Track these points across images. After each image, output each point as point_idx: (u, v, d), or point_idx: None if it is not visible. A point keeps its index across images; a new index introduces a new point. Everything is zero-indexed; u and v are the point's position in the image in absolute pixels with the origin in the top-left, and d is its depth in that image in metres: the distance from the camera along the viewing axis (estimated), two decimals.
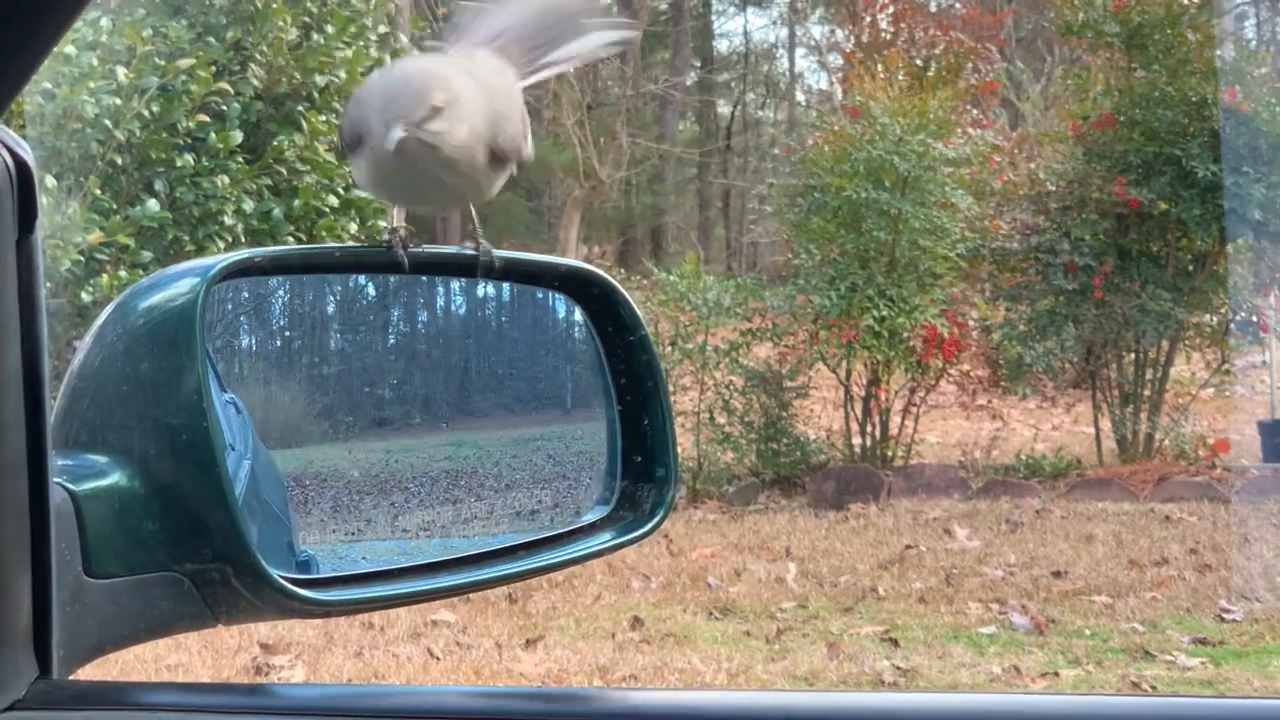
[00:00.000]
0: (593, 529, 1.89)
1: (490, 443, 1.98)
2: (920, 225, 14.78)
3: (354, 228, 12.28)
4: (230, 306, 1.78)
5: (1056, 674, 8.25)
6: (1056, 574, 10.61)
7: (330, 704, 1.44)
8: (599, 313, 1.91)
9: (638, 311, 1.90)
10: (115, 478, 1.50)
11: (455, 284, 1.96)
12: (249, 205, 11.59)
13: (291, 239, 11.57)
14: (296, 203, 11.79)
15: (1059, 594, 10.09)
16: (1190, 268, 15.19)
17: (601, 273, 1.92)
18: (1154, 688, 7.90)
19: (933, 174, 14.94)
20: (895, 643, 8.98)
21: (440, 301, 2.00)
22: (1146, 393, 15.22)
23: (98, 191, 10.91)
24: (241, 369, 1.84)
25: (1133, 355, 15.33)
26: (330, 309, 1.93)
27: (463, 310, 1.98)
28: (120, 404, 1.54)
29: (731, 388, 15.28)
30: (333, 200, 12.01)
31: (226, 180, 11.40)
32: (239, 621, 1.59)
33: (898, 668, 8.37)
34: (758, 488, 14.75)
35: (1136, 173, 14.82)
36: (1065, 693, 7.63)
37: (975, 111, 17.66)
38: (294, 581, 1.57)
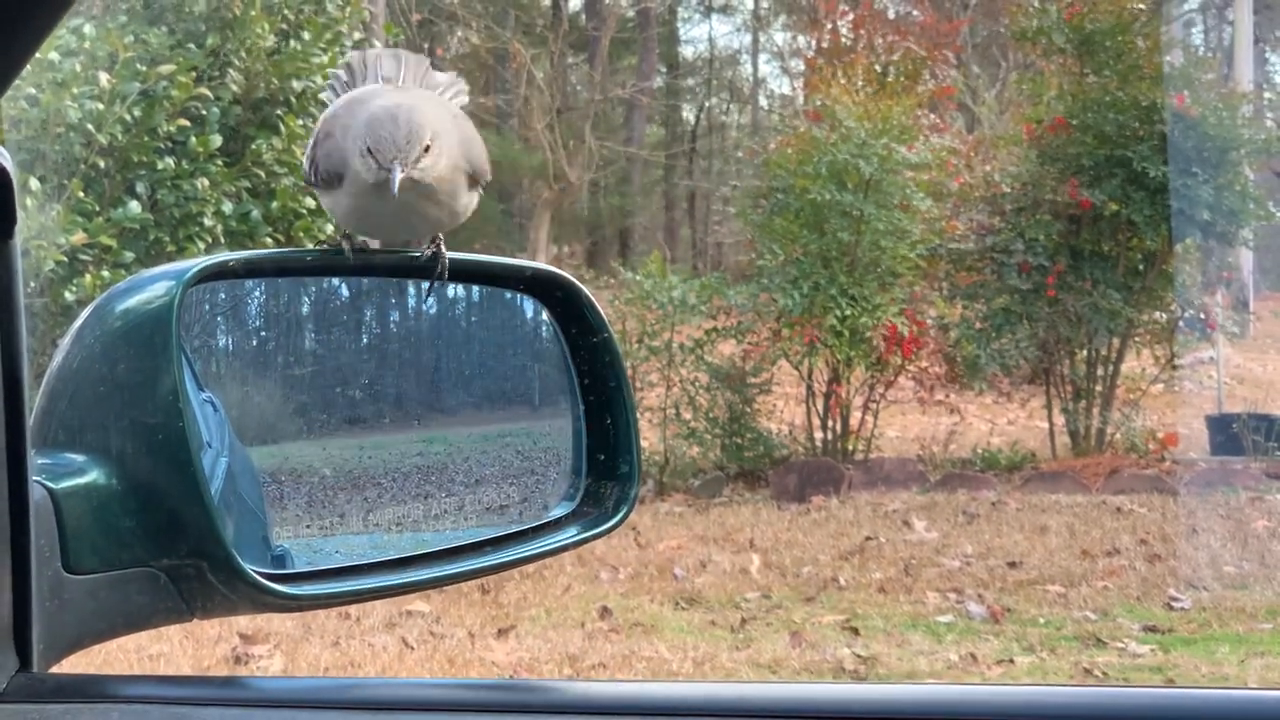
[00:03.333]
0: (559, 524, 1.91)
1: (460, 439, 1.99)
2: (882, 226, 14.88)
3: (330, 229, 12.32)
4: (207, 308, 1.79)
5: (1011, 661, 8.40)
6: (1011, 564, 10.75)
7: (306, 696, 1.48)
8: (564, 314, 1.93)
9: (602, 313, 1.93)
10: (93, 476, 1.52)
11: (425, 286, 1.95)
12: (228, 207, 11.60)
13: (270, 240, 11.57)
14: (274, 204, 11.80)
15: (1014, 584, 10.24)
16: (1140, 267, 15.36)
17: (567, 275, 1.96)
18: (1105, 674, 8.08)
19: (895, 177, 15.02)
20: (856, 631, 9.11)
21: (411, 303, 1.99)
22: (1098, 388, 15.41)
23: (81, 194, 10.91)
24: (219, 369, 1.86)
25: (1085, 352, 15.49)
26: (305, 310, 1.94)
27: (433, 311, 1.97)
28: (98, 404, 1.56)
29: (697, 384, 15.35)
30: (309, 202, 12.01)
31: (206, 183, 11.40)
32: (214, 615, 1.64)
33: (858, 656, 8.48)
34: (722, 481, 14.83)
35: (1088, 175, 15.01)
36: (1021, 683, 7.76)
37: (933, 116, 17.76)
38: (268, 576, 1.59)
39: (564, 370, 1.94)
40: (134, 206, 11.08)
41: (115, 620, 1.55)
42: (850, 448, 15.28)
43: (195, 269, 1.62)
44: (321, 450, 1.84)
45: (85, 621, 1.52)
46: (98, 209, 11.16)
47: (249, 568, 1.54)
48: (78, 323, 1.61)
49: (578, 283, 1.94)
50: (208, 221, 11.45)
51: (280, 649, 8.62)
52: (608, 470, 1.89)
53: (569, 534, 1.89)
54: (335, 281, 1.92)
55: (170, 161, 11.47)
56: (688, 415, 15.30)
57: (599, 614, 9.56)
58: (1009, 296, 15.33)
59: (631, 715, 1.29)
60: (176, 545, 1.52)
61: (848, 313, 14.51)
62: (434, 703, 1.36)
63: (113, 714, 1.38)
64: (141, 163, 11.41)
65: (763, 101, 41.23)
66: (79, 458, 1.53)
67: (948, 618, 9.48)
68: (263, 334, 1.91)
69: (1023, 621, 9.32)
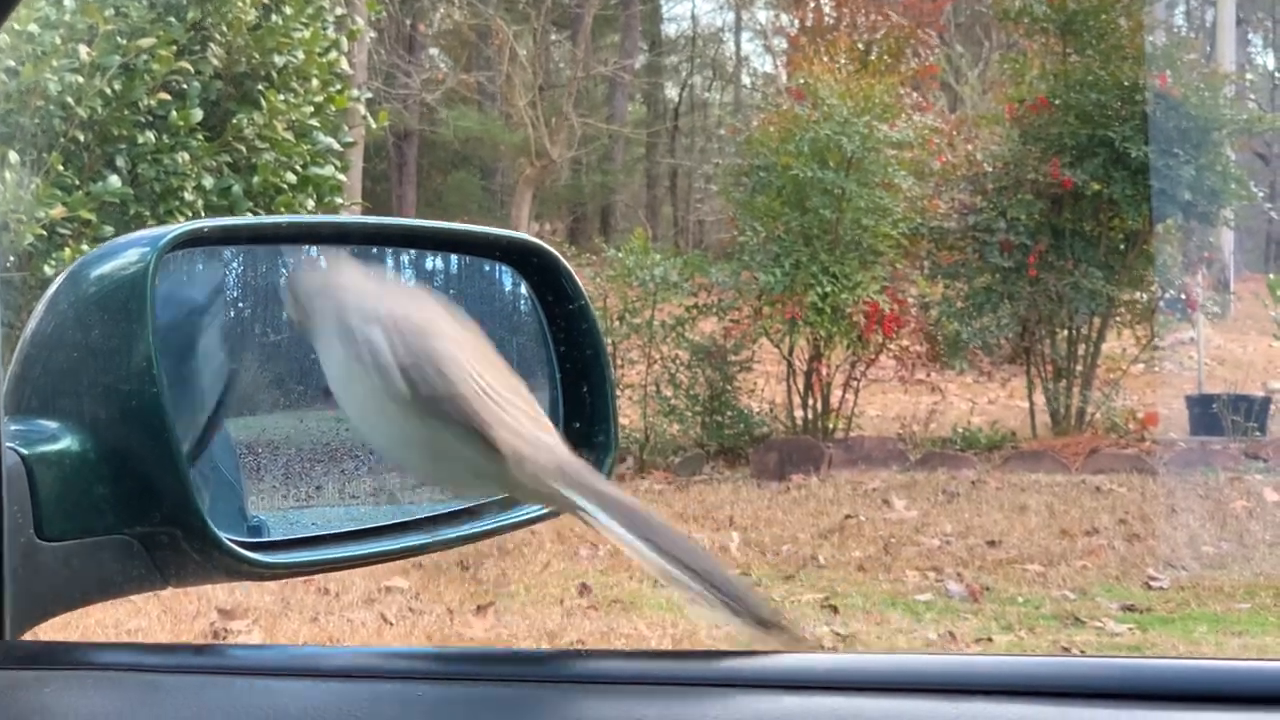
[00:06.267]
0: None
1: None
2: (864, 204, 14.89)
3: (311, 204, 12.32)
4: (185, 278, 1.75)
5: (990, 639, 8.38)
6: (991, 543, 10.76)
7: (280, 664, 1.45)
8: (540, 283, 1.90)
9: (578, 281, 1.89)
10: (67, 442, 1.50)
11: (405, 256, 1.94)
12: (209, 181, 11.59)
13: (250, 214, 11.58)
14: (255, 179, 11.79)
15: (993, 562, 10.24)
16: (1122, 246, 15.38)
17: (543, 243, 1.92)
18: (1083, 653, 7.98)
19: (877, 155, 15.02)
20: (835, 609, 9.09)
21: (390, 274, 1.92)
22: (1079, 368, 15.42)
23: (60, 167, 10.86)
24: (198, 338, 1.81)
25: (1066, 332, 15.49)
26: (283, 280, 1.83)
27: (411, 283, 1.92)
28: (72, 370, 1.54)
29: (677, 362, 15.35)
30: (290, 177, 12.03)
31: (187, 157, 11.40)
32: (188, 584, 1.61)
33: (837, 634, 8.48)
34: (702, 459, 14.84)
35: (1071, 154, 15.01)
36: (996, 653, 7.74)
37: (916, 95, 17.76)
38: (242, 544, 1.57)
39: (541, 340, 1.90)
40: (114, 180, 11.07)
41: (89, 588, 1.52)
42: (831, 426, 15.29)
43: (170, 235, 1.58)
44: (299, 422, 1.81)
45: (58, 589, 1.49)
46: (77, 183, 11.14)
47: (224, 536, 1.51)
48: (52, 289, 1.59)
49: (555, 251, 1.90)
50: (188, 196, 11.44)
51: (259, 624, 8.61)
52: (584, 440, 1.82)
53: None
54: (315, 251, 1.89)
55: (151, 135, 11.46)
56: (668, 392, 15.30)
57: (578, 591, 9.56)
58: (990, 275, 15.35)
59: (607, 684, 1.27)
60: (151, 513, 1.50)
61: (829, 290, 14.51)
62: (410, 672, 1.33)
63: (86, 681, 1.36)
64: (121, 136, 11.40)
65: (745, 80, 41.34)
66: (53, 424, 1.51)
67: (927, 596, 9.47)
68: (240, 304, 1.88)
69: (1001, 600, 9.31)
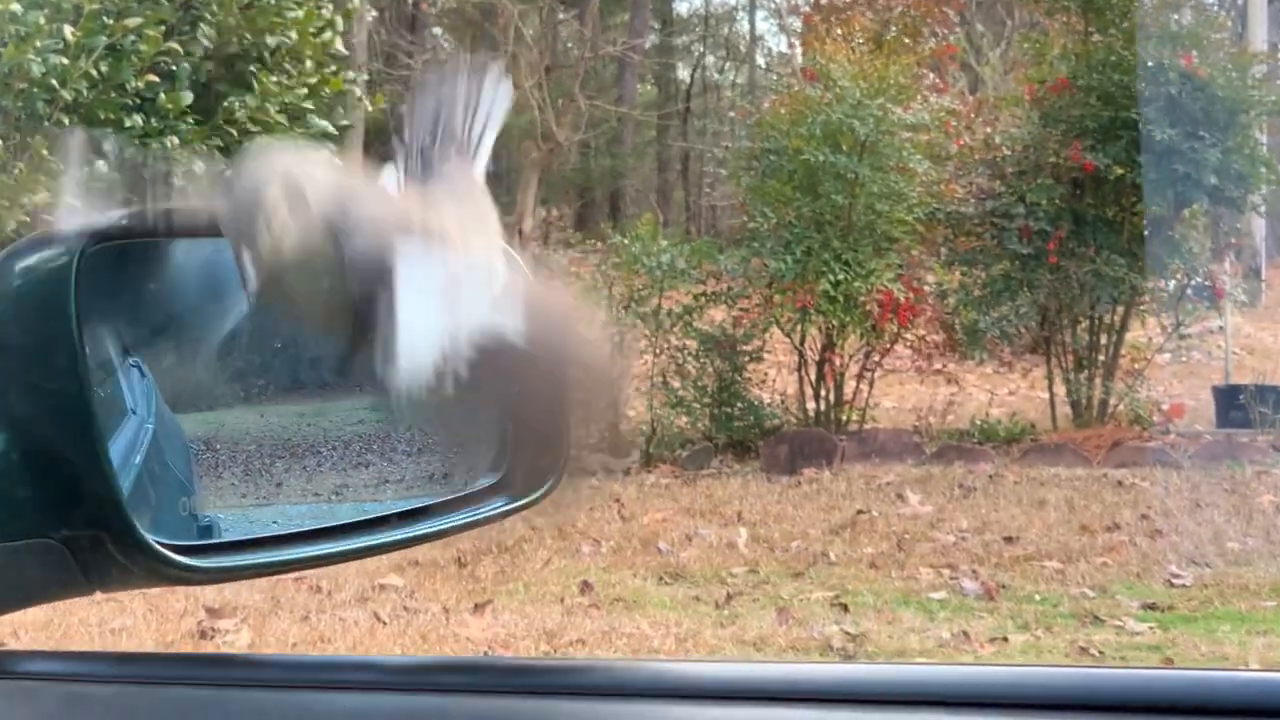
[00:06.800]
0: (490, 492, 1.83)
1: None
2: (877, 189, 14.75)
3: None
4: (135, 268, 1.74)
5: (1005, 639, 8.24)
6: (1008, 539, 10.60)
7: (205, 673, 1.44)
8: None
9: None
10: None
11: None
12: (199, 166, 11.52)
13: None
14: None
15: (1010, 559, 10.08)
16: (1145, 233, 15.09)
17: None
18: (1102, 653, 7.93)
19: (891, 138, 14.90)
20: (845, 608, 8.95)
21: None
22: (1101, 358, 15.21)
23: (45, 152, 10.86)
24: (149, 332, 1.82)
25: (1087, 321, 15.32)
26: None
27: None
28: None
29: (685, 351, 15.23)
30: None
31: (176, 141, 11.39)
32: (116, 589, 1.58)
33: (847, 633, 8.35)
34: (711, 452, 14.70)
35: (1093, 137, 14.76)
36: (1010, 662, 7.66)
37: (933, 76, 17.61)
38: (180, 549, 1.54)
39: None
40: (100, 165, 10.95)
41: (12, 593, 1.53)
42: (844, 418, 15.15)
43: (99, 226, 1.56)
44: (259, 418, 1.83)
45: None
46: (62, 168, 11.01)
47: (151, 539, 1.49)
48: None
49: None
50: (178, 182, 11.26)
51: (247, 623, 8.57)
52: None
53: (498, 504, 1.81)
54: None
55: (139, 119, 11.46)
56: (676, 384, 15.20)
57: (579, 589, 9.47)
58: (1009, 262, 15.15)
59: (599, 697, 1.29)
60: (75, 515, 1.48)
61: (841, 278, 14.38)
62: (335, 682, 1.36)
63: (3, 690, 1.39)
64: (109, 120, 11.38)
65: (760, 60, 41.15)
66: None
67: (941, 594, 9.34)
68: (195, 296, 1.86)
69: (1018, 598, 9.18)
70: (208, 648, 8.10)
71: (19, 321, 1.49)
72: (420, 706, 1.33)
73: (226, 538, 1.71)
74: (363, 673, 1.42)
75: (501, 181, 37.48)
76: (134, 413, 1.72)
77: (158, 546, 1.49)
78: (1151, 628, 8.45)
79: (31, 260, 1.53)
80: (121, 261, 1.66)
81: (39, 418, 1.47)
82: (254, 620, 8.60)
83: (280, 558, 1.69)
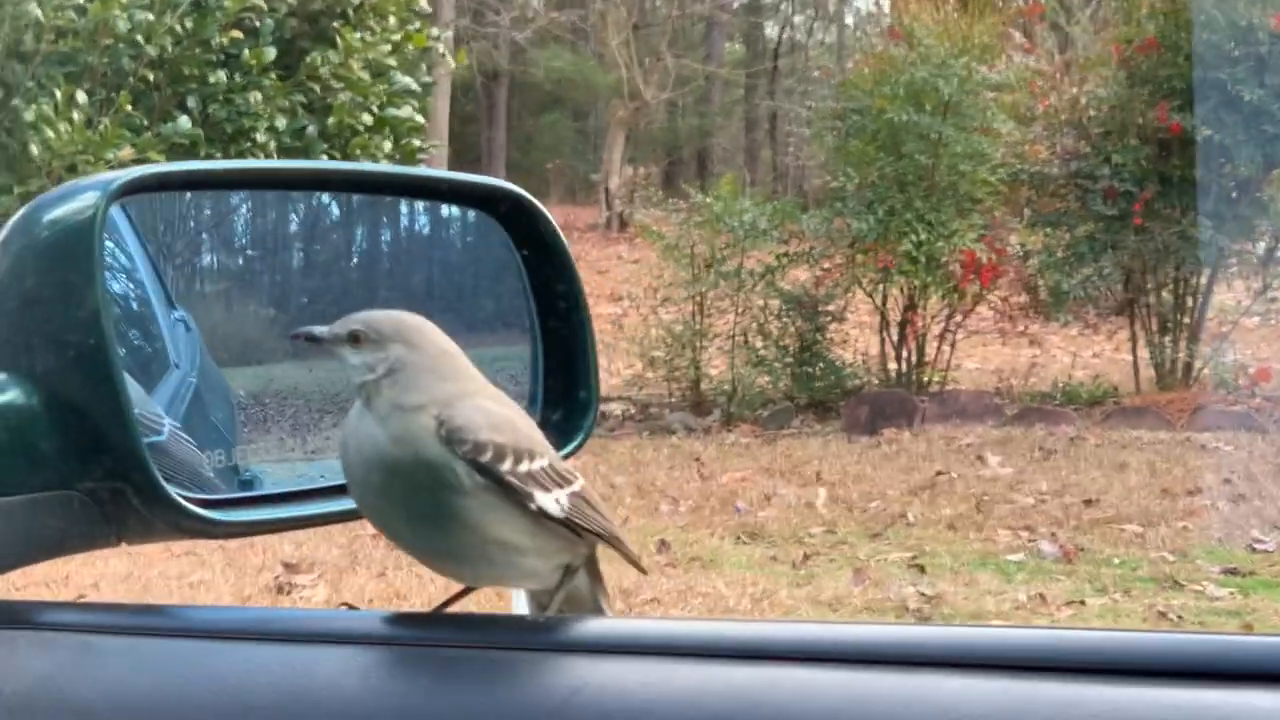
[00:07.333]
0: None
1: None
2: (961, 149, 14.69)
3: (388, 146, 12.23)
4: (192, 224, 1.76)
5: (1082, 602, 8.18)
6: (1088, 502, 10.51)
7: (219, 627, 1.42)
8: (520, 232, 1.86)
9: (559, 230, 1.84)
10: (13, 394, 1.47)
11: (404, 206, 1.96)
12: (282, 122, 11.57)
13: (325, 156, 11.55)
14: (330, 120, 11.77)
15: (1089, 522, 10.01)
16: (1233, 194, 14.95)
17: (520, 190, 1.86)
18: (1180, 618, 7.85)
19: (975, 98, 14.83)
20: (922, 569, 8.93)
21: (405, 222, 1.98)
22: (1186, 320, 15.09)
23: (129, 107, 10.91)
24: (202, 286, 1.84)
25: (1172, 283, 15.17)
26: (293, 227, 1.90)
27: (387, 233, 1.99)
28: (19, 319, 1.50)
29: (767, 311, 15.23)
30: (366, 118, 11.97)
31: (259, 97, 11.40)
32: (139, 541, 1.57)
33: (923, 594, 8.31)
34: (791, 412, 14.67)
35: (1180, 98, 14.58)
36: (1087, 627, 7.60)
37: (1020, 36, 17.45)
38: (199, 502, 1.53)
39: (520, 292, 1.88)
40: (184, 121, 11.09)
41: (35, 545, 1.51)
42: (925, 379, 15.14)
43: (123, 180, 1.54)
44: (308, 372, 1.82)
45: (3, 546, 1.49)
46: (146, 123, 11.17)
47: (172, 491, 1.49)
48: (4, 230, 1.54)
49: (532, 198, 1.85)
50: (260, 137, 11.41)
51: (324, 578, 8.61)
52: (565, 396, 1.86)
53: None
54: (326, 199, 1.92)
55: (222, 75, 11.46)
56: (757, 343, 15.20)
57: (656, 547, 9.42)
58: (1094, 224, 15.03)
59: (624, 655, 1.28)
60: (97, 468, 1.47)
61: (924, 238, 14.33)
62: (348, 636, 1.34)
63: (19, 640, 1.39)
64: (192, 76, 11.41)
65: (848, 20, 40.89)
66: (0, 375, 1.48)
67: (1018, 556, 9.27)
68: (249, 251, 1.89)
69: (1097, 561, 9.10)
70: (284, 603, 8.13)
71: (44, 273, 1.50)
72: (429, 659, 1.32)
73: (257, 491, 1.73)
74: (365, 624, 1.41)
75: (589, 140, 37.52)
76: (177, 366, 1.73)
77: (179, 499, 1.50)
78: (1232, 593, 8.35)
79: (59, 212, 1.53)
80: (166, 213, 1.68)
81: (62, 370, 1.47)
82: (331, 575, 8.63)
83: (308, 512, 1.70)
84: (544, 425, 1.78)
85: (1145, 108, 14.77)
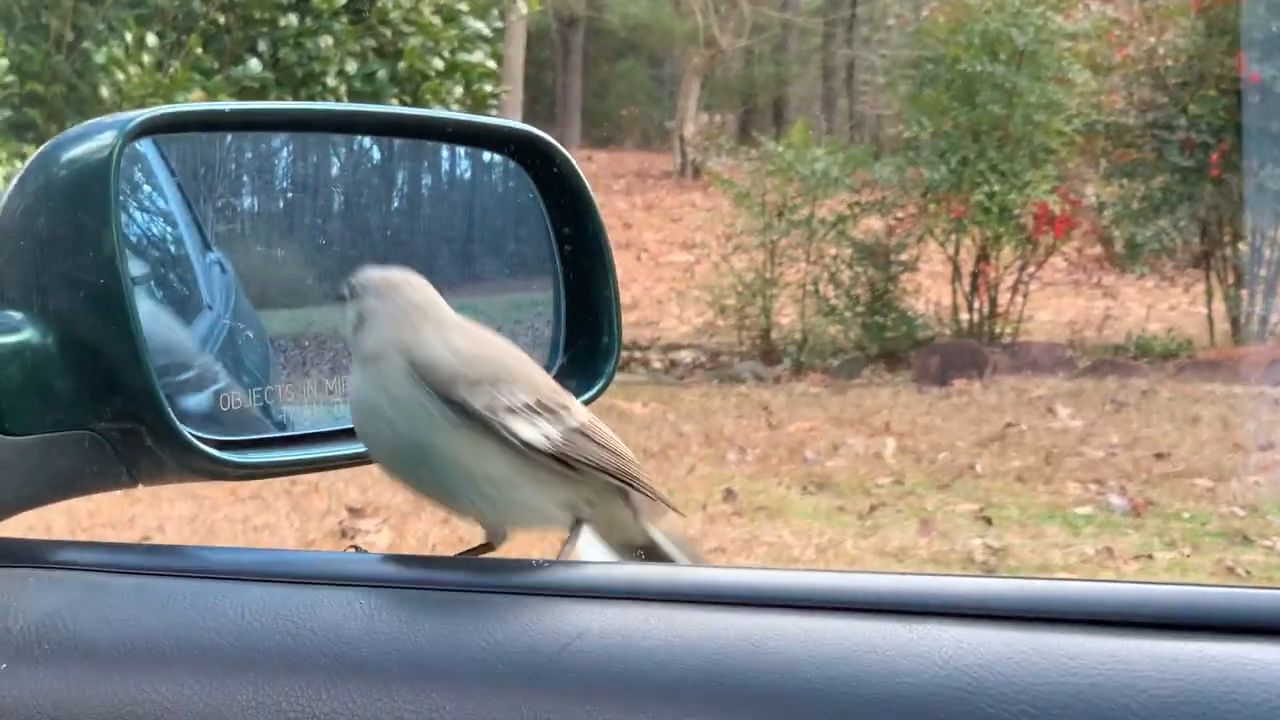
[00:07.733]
0: None
1: (490, 307, 1.93)
2: (1035, 100, 14.59)
3: (459, 91, 12.22)
4: (233, 165, 1.75)
5: (1150, 557, 8.13)
6: (1158, 456, 10.45)
7: (227, 568, 1.41)
8: (543, 177, 1.84)
9: (582, 175, 1.82)
10: (28, 334, 1.46)
11: (446, 151, 1.93)
12: (352, 66, 11.58)
13: (395, 101, 11.57)
14: (401, 65, 11.78)
15: (1159, 476, 9.94)
16: None
17: (547, 137, 1.83)
18: (1249, 573, 7.81)
19: (1050, 48, 14.75)
20: (989, 521, 8.90)
21: (446, 167, 1.97)
22: (1263, 274, 14.89)
23: (199, 50, 10.96)
24: (243, 229, 1.81)
25: (1249, 236, 14.99)
26: (334, 170, 1.89)
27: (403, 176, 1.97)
28: (35, 258, 1.49)
29: (838, 260, 15.19)
30: (437, 63, 11.96)
31: (330, 41, 11.43)
32: (156, 481, 1.57)
33: (989, 546, 8.27)
34: (862, 362, 14.65)
35: (1259, 48, 14.39)
36: (1156, 580, 7.58)
37: None
38: (215, 443, 1.52)
39: (543, 236, 1.87)
40: (254, 64, 11.13)
41: (52, 484, 1.52)
42: (997, 330, 15.08)
43: (139, 119, 1.52)
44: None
45: (21, 485, 1.49)
46: (217, 66, 11.21)
47: (187, 432, 1.48)
48: (23, 169, 1.52)
49: (556, 143, 1.83)
50: (331, 81, 11.44)
51: (389, 523, 8.60)
52: (588, 343, 1.84)
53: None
54: (367, 143, 1.90)
55: (293, 18, 11.49)
56: (828, 292, 15.17)
57: (723, 496, 9.42)
58: (1169, 175, 14.90)
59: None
60: (111, 408, 1.47)
61: (997, 189, 14.26)
62: (356, 577, 1.32)
63: (29, 579, 1.38)
64: (263, 19, 11.45)
65: None
66: (16, 315, 1.48)
67: (1087, 509, 9.22)
68: (289, 194, 1.86)
69: (1166, 515, 9.04)
70: (344, 547, 8.00)
71: (60, 212, 1.48)
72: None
73: (282, 433, 1.72)
74: (373, 566, 1.39)
75: (665, 87, 37.43)
76: (210, 308, 1.70)
77: (193, 440, 1.49)
78: None
79: (76, 151, 1.51)
80: (207, 155, 1.67)
81: (76, 310, 1.47)
82: (395, 520, 8.64)
83: (324, 454, 1.70)
84: (565, 371, 1.81)
85: (1224, 58, 14.64)
